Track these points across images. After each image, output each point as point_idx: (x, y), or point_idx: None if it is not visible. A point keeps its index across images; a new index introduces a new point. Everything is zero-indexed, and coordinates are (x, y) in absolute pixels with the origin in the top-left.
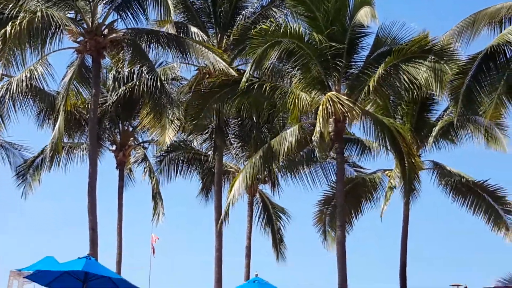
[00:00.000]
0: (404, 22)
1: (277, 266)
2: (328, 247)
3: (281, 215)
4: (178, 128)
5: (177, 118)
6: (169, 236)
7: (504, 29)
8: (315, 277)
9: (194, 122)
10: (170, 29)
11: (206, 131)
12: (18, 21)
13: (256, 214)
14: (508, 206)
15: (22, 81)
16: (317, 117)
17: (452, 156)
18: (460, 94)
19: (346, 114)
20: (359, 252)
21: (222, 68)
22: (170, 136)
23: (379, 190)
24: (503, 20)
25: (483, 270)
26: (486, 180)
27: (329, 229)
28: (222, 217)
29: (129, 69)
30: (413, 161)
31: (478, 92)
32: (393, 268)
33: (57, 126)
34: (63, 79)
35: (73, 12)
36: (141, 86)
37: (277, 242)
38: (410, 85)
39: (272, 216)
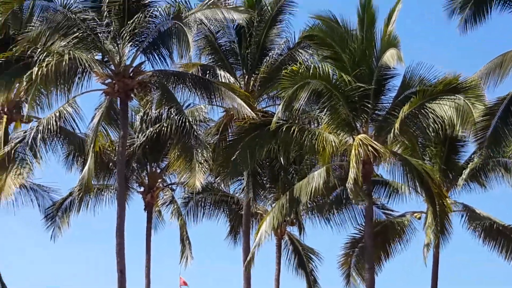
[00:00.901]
0: (432, 64)
1: None
2: None
3: (311, 256)
4: (206, 170)
5: (205, 160)
6: (197, 279)
7: None
8: None
9: (226, 170)
10: (196, 73)
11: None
12: (45, 63)
13: (287, 257)
14: None
15: (52, 121)
16: (350, 162)
17: (482, 199)
18: (487, 136)
19: (376, 156)
20: None
21: (246, 114)
22: (200, 179)
23: (408, 233)
24: None
25: None
26: None
27: (354, 273)
28: (249, 258)
29: (157, 110)
30: (444, 202)
31: (505, 134)
32: None
33: (87, 166)
34: (91, 121)
35: (100, 54)
36: (169, 127)
37: (311, 284)
38: (436, 124)
39: (303, 258)
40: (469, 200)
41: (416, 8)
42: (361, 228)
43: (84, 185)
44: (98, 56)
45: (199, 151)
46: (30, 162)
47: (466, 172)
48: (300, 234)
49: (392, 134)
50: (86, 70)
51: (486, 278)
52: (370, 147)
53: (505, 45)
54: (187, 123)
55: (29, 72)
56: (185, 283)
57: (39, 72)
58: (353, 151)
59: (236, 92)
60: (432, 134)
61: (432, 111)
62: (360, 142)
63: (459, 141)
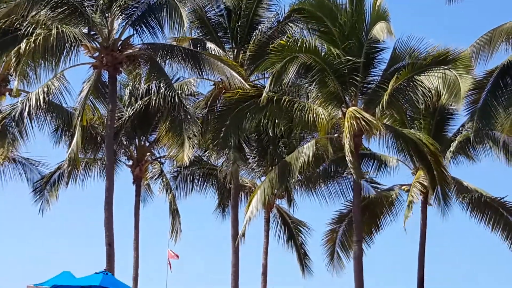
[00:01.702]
0: (422, 37)
1: (293, 283)
2: (332, 269)
3: (301, 229)
4: (195, 144)
5: (194, 134)
6: (186, 252)
7: None
8: None
9: (215, 142)
10: (187, 45)
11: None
12: (33, 38)
13: (276, 230)
14: None
15: (40, 96)
16: (344, 134)
17: (470, 172)
18: (476, 109)
19: (366, 129)
20: (376, 269)
21: (237, 84)
22: (189, 154)
23: (397, 205)
24: None
25: (502, 286)
26: (504, 197)
27: (339, 250)
28: (239, 235)
29: (146, 84)
30: (443, 169)
31: (495, 107)
32: (410, 285)
33: (74, 141)
34: (79, 94)
35: (88, 27)
36: (158, 101)
37: (302, 256)
38: (424, 96)
39: (293, 231)
40: (457, 173)
41: None
42: (348, 204)
43: (71, 158)
44: (86, 30)
45: (188, 125)
46: (18, 137)
47: (454, 144)
48: (289, 206)
49: (380, 106)
50: (74, 44)
51: (473, 250)
52: (361, 120)
53: (495, 20)
54: (176, 98)
55: (17, 47)
56: (176, 256)
57: (27, 47)
58: (346, 123)
59: (226, 64)
60: (421, 106)
61: (421, 84)
62: (352, 115)
63: (447, 114)
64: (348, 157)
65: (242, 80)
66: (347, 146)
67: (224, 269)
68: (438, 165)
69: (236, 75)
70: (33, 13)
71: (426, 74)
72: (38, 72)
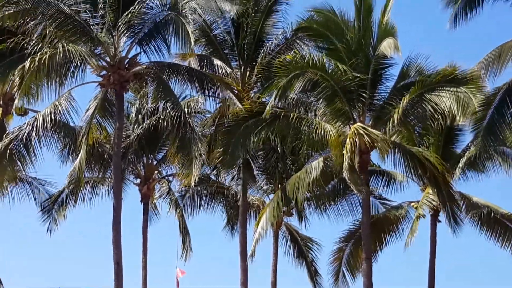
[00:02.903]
0: (430, 54)
1: None
2: None
3: (311, 246)
4: (202, 162)
5: (200, 154)
6: (194, 270)
7: None
8: None
9: (223, 161)
10: (193, 62)
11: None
12: (38, 56)
13: (285, 248)
14: None
15: (47, 116)
16: (344, 151)
17: (479, 188)
18: (482, 127)
19: (372, 146)
20: (385, 285)
21: (237, 107)
22: (195, 175)
23: (404, 223)
24: None
25: None
26: None
27: (344, 269)
28: (249, 254)
29: (153, 104)
30: (451, 189)
31: (500, 124)
32: None
33: (78, 159)
34: (85, 113)
35: (95, 46)
36: (166, 120)
37: (312, 274)
38: (435, 114)
39: (302, 248)
40: (466, 189)
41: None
42: (357, 222)
43: (75, 176)
44: (96, 50)
45: (196, 145)
46: (27, 158)
47: (463, 160)
48: (300, 223)
49: (390, 124)
50: (80, 62)
51: (484, 267)
52: (365, 136)
53: (503, 36)
54: (183, 118)
55: (21, 65)
56: (182, 272)
57: (31, 66)
58: (348, 139)
59: (229, 87)
60: (432, 124)
61: (431, 102)
62: (355, 131)
63: (456, 130)
64: (345, 173)
65: (240, 106)
66: (345, 163)
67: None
68: (445, 185)
69: (235, 99)
70: (39, 30)
71: (437, 92)
72: (43, 91)
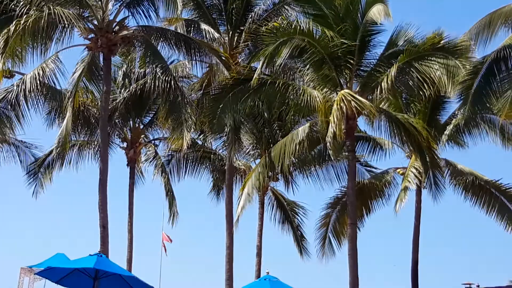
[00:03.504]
0: (420, 24)
1: (288, 265)
2: (322, 255)
3: (297, 210)
4: (192, 128)
5: (190, 117)
6: (180, 234)
7: None
8: (329, 274)
9: (210, 125)
10: (179, 27)
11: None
12: (23, 19)
13: (271, 213)
14: None
15: (34, 78)
16: (331, 117)
17: (465, 155)
18: (469, 95)
19: (359, 112)
20: (370, 251)
21: (224, 74)
22: (187, 139)
23: (391, 189)
24: None
25: (495, 269)
26: (499, 179)
27: (330, 235)
28: (235, 220)
29: (141, 68)
30: (434, 155)
31: (487, 92)
32: (404, 267)
33: (64, 123)
34: (72, 76)
35: (83, 9)
36: (154, 84)
37: (299, 238)
38: (424, 83)
39: (288, 213)
40: (452, 156)
41: None
42: (343, 188)
43: (61, 142)
44: (84, 13)
45: (185, 109)
46: (15, 120)
47: (449, 128)
48: (286, 189)
49: (378, 91)
50: (68, 25)
51: (468, 232)
52: (353, 102)
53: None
54: (173, 82)
55: (6, 28)
56: (169, 240)
57: (17, 28)
58: (334, 105)
59: (216, 51)
60: (420, 92)
61: (420, 70)
62: (343, 97)
63: (443, 97)
64: (329, 139)
65: (227, 72)
66: (330, 128)
67: (219, 251)
68: (430, 151)
69: (222, 65)
70: None
71: (425, 61)
72: (28, 54)
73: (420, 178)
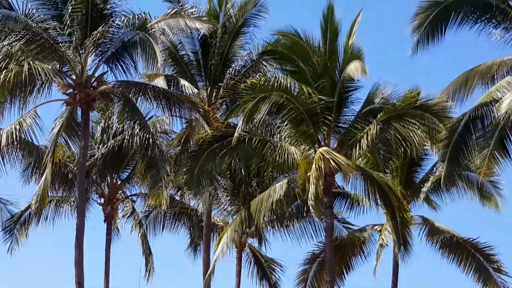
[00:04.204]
0: (397, 83)
1: None
2: None
3: (274, 267)
4: (170, 185)
5: (168, 174)
6: None
7: None
8: None
9: (189, 184)
10: (160, 82)
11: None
12: (3, 74)
13: (248, 269)
14: (498, 264)
15: (11, 133)
16: (310, 177)
17: (443, 213)
18: (447, 153)
19: (338, 169)
20: None
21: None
22: (165, 196)
23: (369, 246)
24: (495, 77)
25: None
26: (476, 238)
27: None
28: (209, 271)
29: (120, 123)
30: (405, 215)
31: (464, 150)
32: None
33: (43, 178)
34: (51, 131)
35: (62, 64)
36: (132, 140)
37: None
38: (402, 142)
39: (266, 270)
40: (431, 214)
41: (386, 23)
42: (321, 244)
43: (39, 197)
44: (59, 66)
45: (163, 166)
46: None
47: (427, 185)
48: (260, 245)
49: (358, 148)
50: (46, 80)
51: None
52: (332, 160)
53: (469, 62)
54: (151, 139)
55: None
56: None
57: None
58: (313, 165)
59: (196, 106)
60: (399, 150)
61: (399, 128)
62: (321, 156)
63: (422, 154)
64: (310, 201)
65: (207, 127)
66: (311, 189)
67: None
68: (401, 211)
69: (202, 120)
70: (6, 47)
71: (405, 119)
72: (6, 108)
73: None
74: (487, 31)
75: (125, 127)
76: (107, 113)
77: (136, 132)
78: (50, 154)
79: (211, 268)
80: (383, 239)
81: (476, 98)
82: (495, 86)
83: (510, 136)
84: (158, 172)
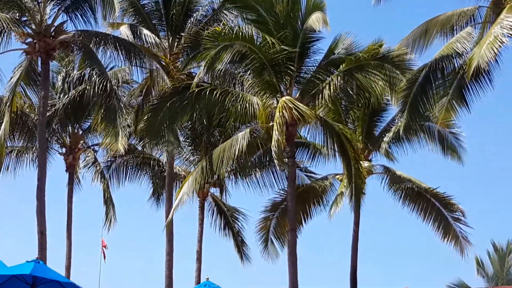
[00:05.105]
0: (358, 34)
1: (229, 270)
2: (267, 256)
3: (237, 216)
4: (129, 133)
5: (127, 124)
6: (120, 241)
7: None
8: (270, 278)
9: (150, 135)
10: (125, 30)
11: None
12: None
13: (211, 219)
14: (457, 213)
15: None
16: (274, 125)
17: (406, 164)
18: (407, 103)
19: (300, 119)
20: (310, 256)
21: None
22: (123, 143)
23: (330, 194)
24: (455, 28)
25: (433, 274)
26: (436, 188)
27: (272, 237)
28: (169, 218)
29: (79, 71)
30: (360, 166)
31: (424, 101)
32: (344, 271)
33: (2, 127)
34: (9, 80)
35: (21, 13)
36: (92, 89)
37: (239, 244)
38: (364, 92)
39: (229, 219)
40: (393, 164)
41: None
42: (282, 192)
43: None
44: (18, 16)
45: (122, 114)
46: None
47: (389, 135)
48: (221, 195)
49: (320, 99)
50: (5, 29)
51: (406, 240)
52: (294, 110)
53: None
54: (109, 86)
55: None
56: (105, 246)
57: None
58: (277, 113)
59: (156, 56)
60: (361, 100)
61: (360, 79)
62: (285, 105)
63: (383, 104)
64: (274, 148)
65: (167, 79)
66: (274, 136)
67: (159, 258)
68: (356, 161)
69: (163, 72)
70: None
71: (367, 70)
72: None
73: None
74: None
75: (85, 76)
76: (66, 61)
77: (94, 79)
78: (8, 103)
79: (170, 217)
80: (343, 187)
81: (436, 48)
82: (455, 37)
83: (469, 85)
84: (116, 121)
